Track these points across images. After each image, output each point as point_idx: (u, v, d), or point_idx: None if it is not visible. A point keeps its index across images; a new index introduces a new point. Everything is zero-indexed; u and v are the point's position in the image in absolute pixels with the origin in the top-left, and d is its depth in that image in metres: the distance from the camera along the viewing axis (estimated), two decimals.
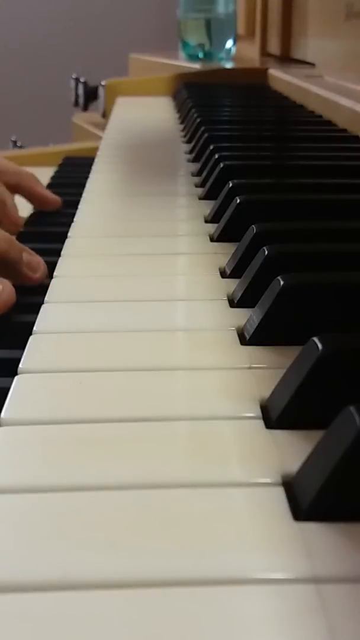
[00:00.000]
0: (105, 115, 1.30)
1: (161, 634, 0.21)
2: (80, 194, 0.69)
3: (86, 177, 0.75)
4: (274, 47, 1.35)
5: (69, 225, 0.59)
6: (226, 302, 0.43)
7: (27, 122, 2.47)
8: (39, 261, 0.52)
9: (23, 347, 0.38)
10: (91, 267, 0.50)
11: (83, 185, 0.72)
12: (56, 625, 0.21)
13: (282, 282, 0.38)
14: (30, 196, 0.71)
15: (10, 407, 0.32)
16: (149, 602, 0.22)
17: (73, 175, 0.86)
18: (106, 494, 0.27)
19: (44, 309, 0.43)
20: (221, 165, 0.64)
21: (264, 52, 1.45)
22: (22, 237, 0.65)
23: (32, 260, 0.52)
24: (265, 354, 0.37)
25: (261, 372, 0.35)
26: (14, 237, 0.54)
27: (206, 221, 0.59)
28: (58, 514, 0.26)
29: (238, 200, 0.53)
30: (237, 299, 0.43)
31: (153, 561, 0.24)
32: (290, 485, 0.27)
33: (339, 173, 0.63)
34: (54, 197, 0.71)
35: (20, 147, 1.18)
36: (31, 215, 0.71)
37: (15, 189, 0.70)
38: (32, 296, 0.48)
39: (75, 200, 0.67)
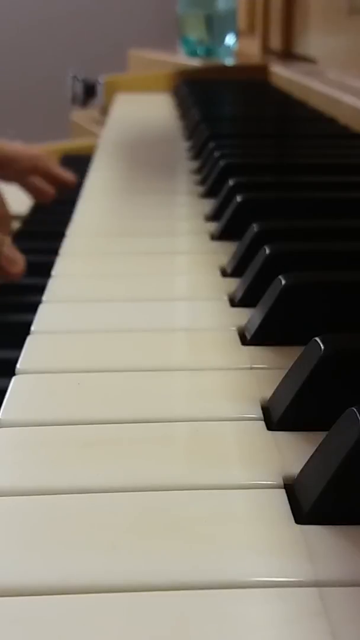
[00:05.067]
0: (104, 112, 1.30)
1: (161, 638, 0.21)
2: (78, 192, 0.68)
3: (85, 175, 0.75)
4: (276, 42, 1.34)
5: (67, 224, 0.58)
6: (227, 302, 0.43)
7: (24, 120, 2.46)
8: (19, 257, 0.52)
9: (21, 347, 0.38)
10: (90, 266, 0.50)
11: (81, 184, 0.71)
12: (55, 629, 0.21)
13: (283, 282, 0.37)
14: (47, 178, 0.74)
15: (8, 408, 0.32)
16: (149, 606, 0.22)
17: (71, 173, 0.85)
18: (106, 497, 0.27)
19: (41, 308, 0.43)
20: (222, 163, 0.64)
21: (266, 48, 1.44)
22: (20, 236, 0.65)
23: (12, 254, 0.52)
24: (267, 354, 0.37)
25: (262, 372, 0.35)
26: None
27: (207, 220, 0.59)
28: (56, 516, 0.26)
29: (239, 199, 0.53)
30: (238, 298, 0.43)
31: (153, 564, 0.23)
32: (291, 488, 0.27)
33: (341, 170, 0.63)
34: (69, 177, 0.75)
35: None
36: (29, 214, 0.71)
37: (32, 172, 0.73)
38: (30, 295, 0.47)
39: (74, 199, 0.66)
